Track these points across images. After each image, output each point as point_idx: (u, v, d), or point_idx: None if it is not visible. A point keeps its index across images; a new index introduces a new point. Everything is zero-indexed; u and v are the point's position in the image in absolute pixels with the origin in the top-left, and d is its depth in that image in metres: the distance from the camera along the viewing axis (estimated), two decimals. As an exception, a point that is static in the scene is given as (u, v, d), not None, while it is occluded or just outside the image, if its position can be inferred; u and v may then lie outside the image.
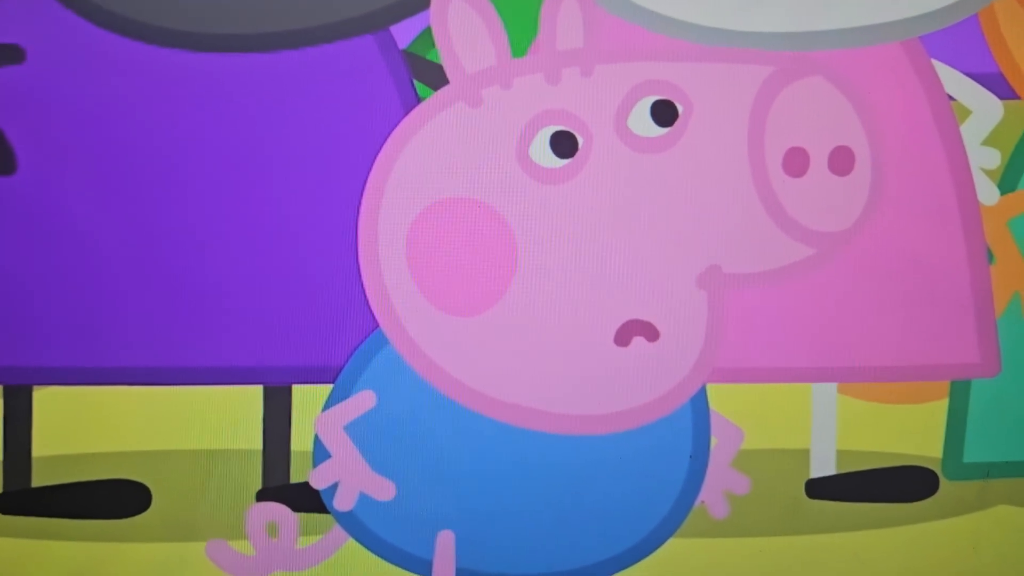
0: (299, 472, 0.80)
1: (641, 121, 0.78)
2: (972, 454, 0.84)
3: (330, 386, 0.79)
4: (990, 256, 0.83)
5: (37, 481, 0.79)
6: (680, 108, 0.79)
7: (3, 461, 0.79)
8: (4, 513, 0.79)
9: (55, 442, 0.79)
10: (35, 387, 0.79)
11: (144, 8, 0.76)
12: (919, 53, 0.81)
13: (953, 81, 0.81)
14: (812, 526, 0.83)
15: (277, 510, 0.80)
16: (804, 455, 0.83)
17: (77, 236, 0.77)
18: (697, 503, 0.82)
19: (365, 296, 0.78)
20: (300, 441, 0.80)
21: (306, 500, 0.80)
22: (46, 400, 0.78)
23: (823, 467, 0.83)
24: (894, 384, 0.83)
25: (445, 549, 0.81)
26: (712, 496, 0.82)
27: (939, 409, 0.84)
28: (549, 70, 0.78)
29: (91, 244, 0.77)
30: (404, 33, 0.78)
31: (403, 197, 0.78)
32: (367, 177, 0.78)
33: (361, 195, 0.78)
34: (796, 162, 0.79)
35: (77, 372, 0.78)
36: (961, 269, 0.82)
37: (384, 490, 0.80)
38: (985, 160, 0.82)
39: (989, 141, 0.82)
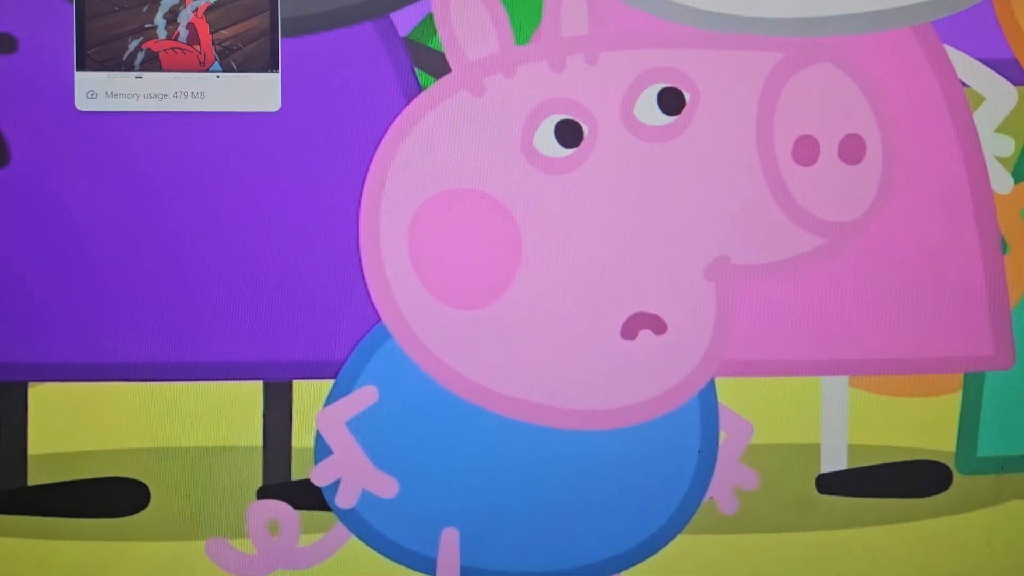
0: (300, 469, 0.80)
1: (647, 109, 0.78)
2: (986, 448, 0.84)
3: (331, 381, 0.79)
4: (1004, 246, 0.82)
5: (33, 480, 0.79)
6: (687, 96, 0.78)
7: (-1, 459, 0.79)
8: (0, 512, 0.79)
9: (52, 440, 0.78)
10: (31, 384, 0.78)
11: (139, -4, 0.76)
12: (931, 39, 0.80)
13: (966, 67, 0.81)
14: (823, 522, 0.83)
15: (278, 508, 0.80)
16: (815, 450, 0.83)
17: (73, 230, 0.77)
18: (706, 499, 0.82)
19: (367, 289, 0.78)
20: (301, 438, 0.79)
21: (308, 498, 0.80)
22: (42, 397, 0.78)
23: (834, 462, 0.83)
24: (906, 377, 0.83)
25: (449, 547, 0.80)
26: (721, 491, 0.82)
27: (952, 402, 0.84)
28: (553, 58, 0.77)
29: (87, 238, 0.77)
30: (405, 20, 0.77)
31: (405, 188, 0.77)
32: (368, 168, 0.77)
33: (362, 187, 0.77)
34: (806, 150, 0.79)
35: (74, 368, 0.77)
36: (974, 259, 0.82)
37: (387, 487, 0.80)
38: (999, 148, 0.82)
39: (1003, 128, 0.82)
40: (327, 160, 0.77)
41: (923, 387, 0.83)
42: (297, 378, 0.79)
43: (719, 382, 0.81)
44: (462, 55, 0.77)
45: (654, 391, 0.80)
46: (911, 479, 0.84)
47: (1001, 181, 0.82)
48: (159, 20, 0.75)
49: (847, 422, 0.83)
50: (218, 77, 0.76)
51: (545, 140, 0.78)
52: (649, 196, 0.79)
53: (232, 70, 0.76)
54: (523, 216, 0.78)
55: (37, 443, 0.78)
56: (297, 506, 0.80)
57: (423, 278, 0.78)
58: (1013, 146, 0.82)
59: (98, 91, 0.76)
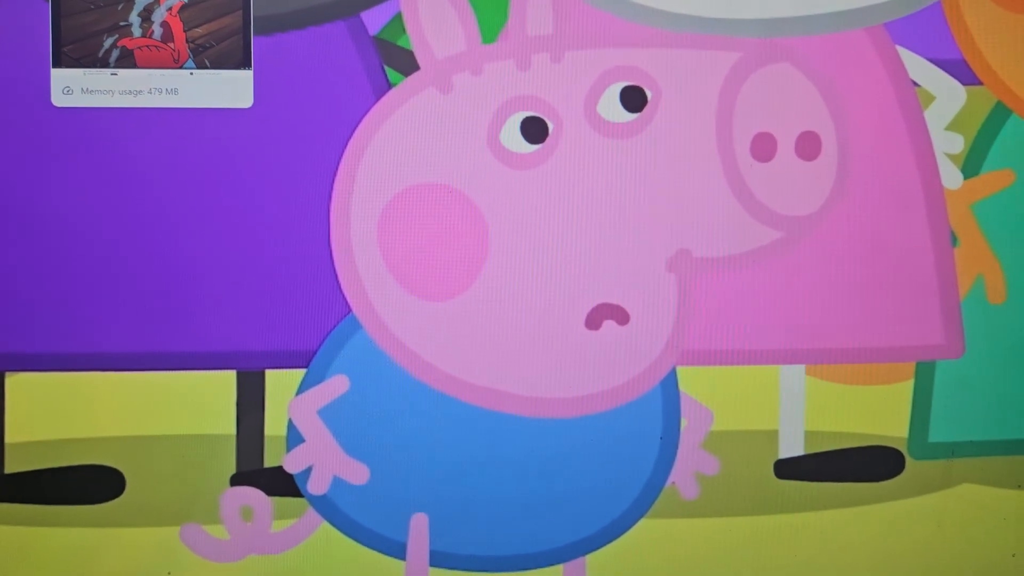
0: (273, 456, 0.80)
1: (610, 107, 0.79)
2: (937, 434, 0.85)
3: (303, 371, 0.79)
4: (954, 239, 0.84)
5: (11, 467, 0.79)
6: (649, 94, 0.79)
7: (-24, 448, 0.79)
8: (-23, 500, 0.79)
9: (28, 428, 0.79)
10: (7, 373, 0.78)
11: (115, -5, 0.76)
12: (884, 40, 0.82)
13: (917, 67, 0.82)
14: (781, 506, 0.84)
15: (251, 494, 0.80)
16: (773, 436, 0.84)
17: (48, 222, 0.77)
18: (668, 484, 0.83)
19: (338, 281, 0.79)
20: (274, 426, 0.80)
21: (280, 484, 0.80)
22: (19, 386, 0.78)
23: (791, 447, 0.84)
24: (860, 366, 0.84)
25: (419, 531, 0.81)
26: (682, 477, 0.83)
27: (905, 390, 0.85)
28: (519, 56, 0.78)
29: (63, 230, 0.77)
30: (375, 19, 0.78)
31: (375, 183, 0.78)
32: (339, 163, 0.78)
33: (333, 180, 0.78)
34: (764, 147, 0.80)
35: (50, 358, 0.78)
36: (925, 252, 0.83)
37: (358, 473, 0.80)
38: (949, 145, 0.83)
39: (953, 126, 0.83)
40: (299, 155, 0.78)
41: (877, 375, 0.84)
42: (270, 367, 0.79)
43: (680, 371, 0.82)
44: (430, 53, 0.77)
45: (617, 380, 0.81)
46: (865, 464, 0.85)
47: (951, 177, 0.83)
48: (134, 18, 0.76)
49: (804, 409, 0.84)
50: (192, 74, 0.77)
51: (511, 136, 0.79)
52: (612, 191, 0.80)
53: (205, 67, 0.77)
54: (490, 210, 0.79)
55: (14, 431, 0.79)
56: (270, 492, 0.80)
57: (392, 270, 0.79)
58: (962, 143, 0.83)
59: (74, 87, 0.76)
